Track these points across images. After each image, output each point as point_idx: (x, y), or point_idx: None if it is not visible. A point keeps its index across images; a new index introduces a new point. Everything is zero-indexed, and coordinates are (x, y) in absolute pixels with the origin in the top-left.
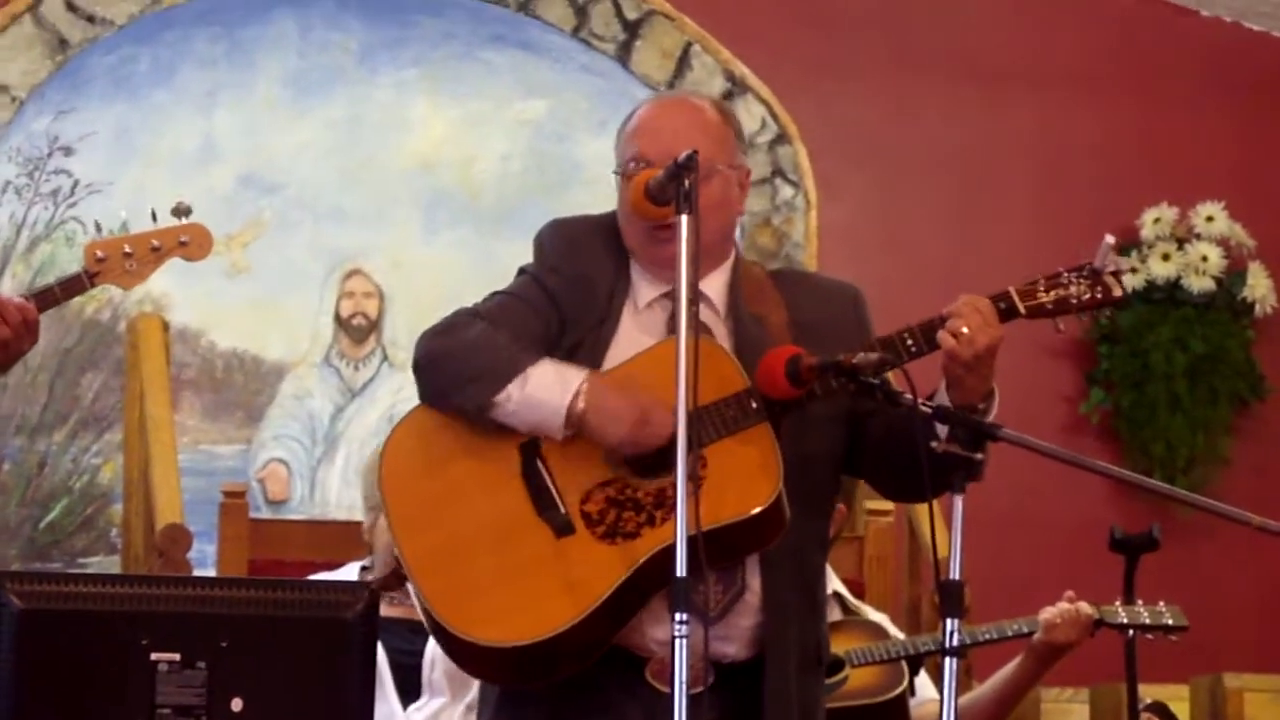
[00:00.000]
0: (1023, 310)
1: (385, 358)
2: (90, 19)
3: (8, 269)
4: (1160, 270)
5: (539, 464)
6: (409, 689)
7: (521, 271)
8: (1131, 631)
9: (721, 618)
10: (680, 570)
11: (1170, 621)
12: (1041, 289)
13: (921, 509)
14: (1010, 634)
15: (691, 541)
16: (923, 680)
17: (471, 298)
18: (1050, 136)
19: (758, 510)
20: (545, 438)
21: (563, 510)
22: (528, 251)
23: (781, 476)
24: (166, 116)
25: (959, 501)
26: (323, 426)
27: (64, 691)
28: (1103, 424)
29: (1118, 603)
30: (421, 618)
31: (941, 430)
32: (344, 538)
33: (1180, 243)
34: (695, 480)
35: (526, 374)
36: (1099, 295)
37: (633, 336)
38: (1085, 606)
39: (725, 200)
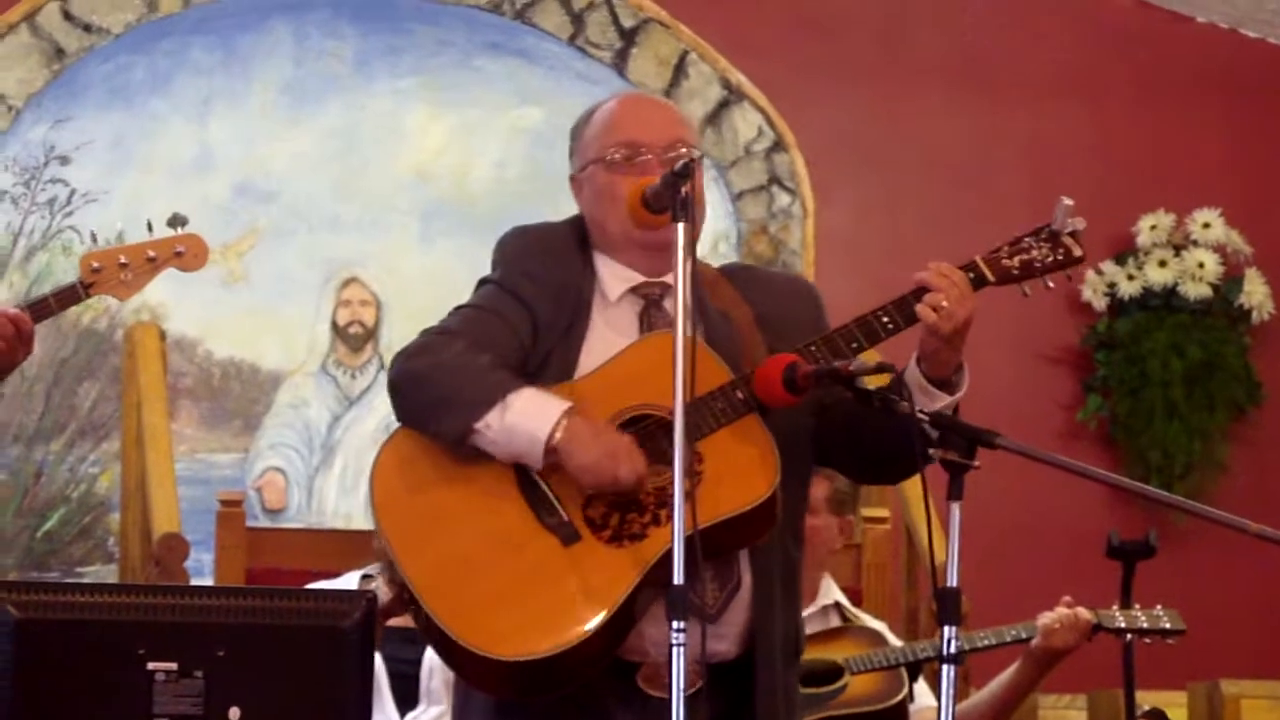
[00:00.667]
0: (991, 278)
1: (382, 366)
2: (86, 28)
3: (4, 278)
4: (1157, 277)
5: (534, 474)
6: (407, 698)
7: (484, 282)
8: (1129, 636)
9: (719, 615)
10: (678, 578)
11: (1168, 625)
12: (1006, 255)
13: (919, 516)
14: (1008, 639)
15: (689, 543)
16: (921, 687)
17: None
18: (1047, 143)
19: (759, 501)
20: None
21: (566, 518)
22: None
23: (779, 466)
24: (163, 125)
25: (956, 509)
26: (320, 435)
27: (61, 701)
28: (1100, 431)
29: (1115, 607)
30: (422, 633)
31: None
32: (342, 546)
33: (1177, 249)
34: (693, 476)
35: (506, 401)
36: (1060, 257)
37: (605, 336)
38: (1083, 611)
39: (704, 193)
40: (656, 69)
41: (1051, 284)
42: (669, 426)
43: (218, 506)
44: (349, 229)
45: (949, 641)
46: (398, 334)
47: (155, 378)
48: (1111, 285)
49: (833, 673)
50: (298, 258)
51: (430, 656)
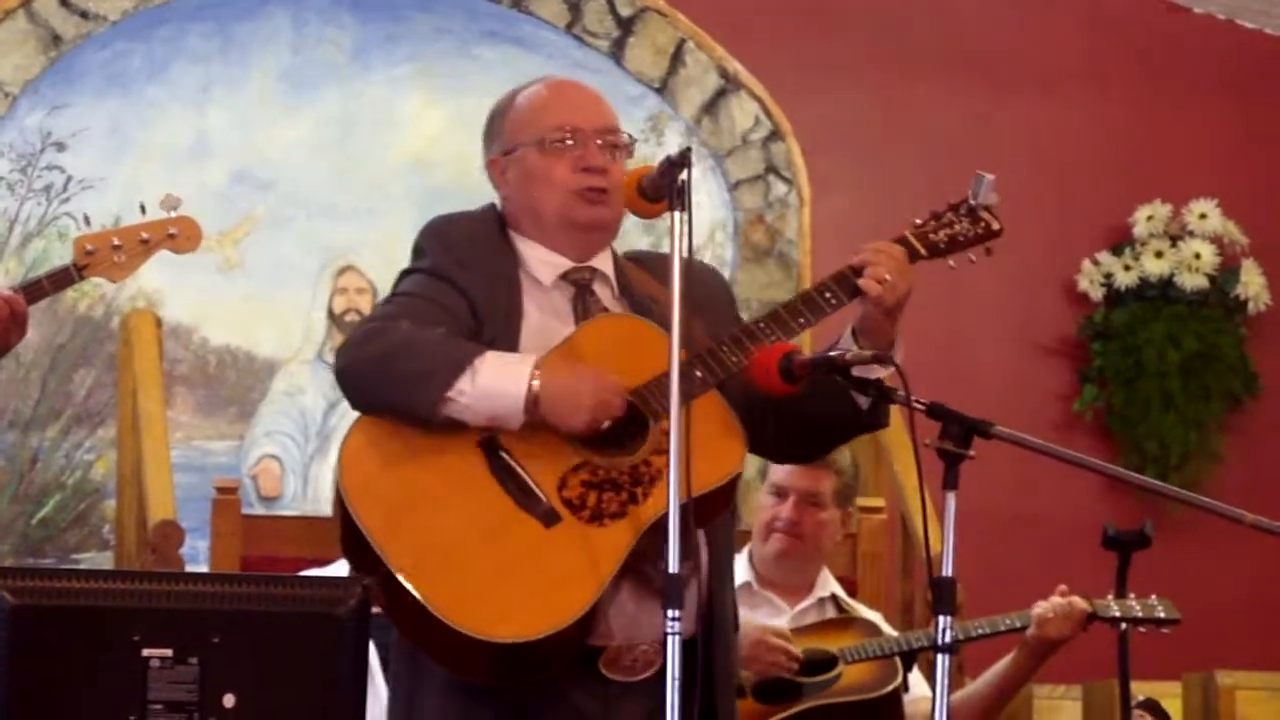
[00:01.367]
0: (923, 251)
1: None
2: (84, 15)
3: (0, 265)
4: (1153, 267)
5: (505, 457)
6: None
7: (411, 271)
8: (1124, 626)
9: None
10: (673, 566)
11: (1163, 614)
12: (932, 229)
13: (915, 506)
14: (1003, 629)
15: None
16: (916, 677)
17: None
18: (1044, 133)
19: (734, 474)
20: (502, 430)
21: (544, 500)
22: None
23: (745, 436)
24: (160, 112)
25: (951, 498)
26: (315, 423)
27: (56, 687)
28: (1096, 421)
29: (1110, 597)
30: (395, 619)
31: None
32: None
33: (1173, 240)
34: (663, 452)
35: (475, 366)
36: (981, 230)
37: (542, 321)
38: (1078, 600)
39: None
40: (654, 57)
41: (974, 258)
42: (634, 406)
43: (213, 494)
44: (346, 217)
45: (944, 631)
46: None
47: (151, 365)
48: (1108, 276)
49: (827, 662)
50: (294, 245)
51: None
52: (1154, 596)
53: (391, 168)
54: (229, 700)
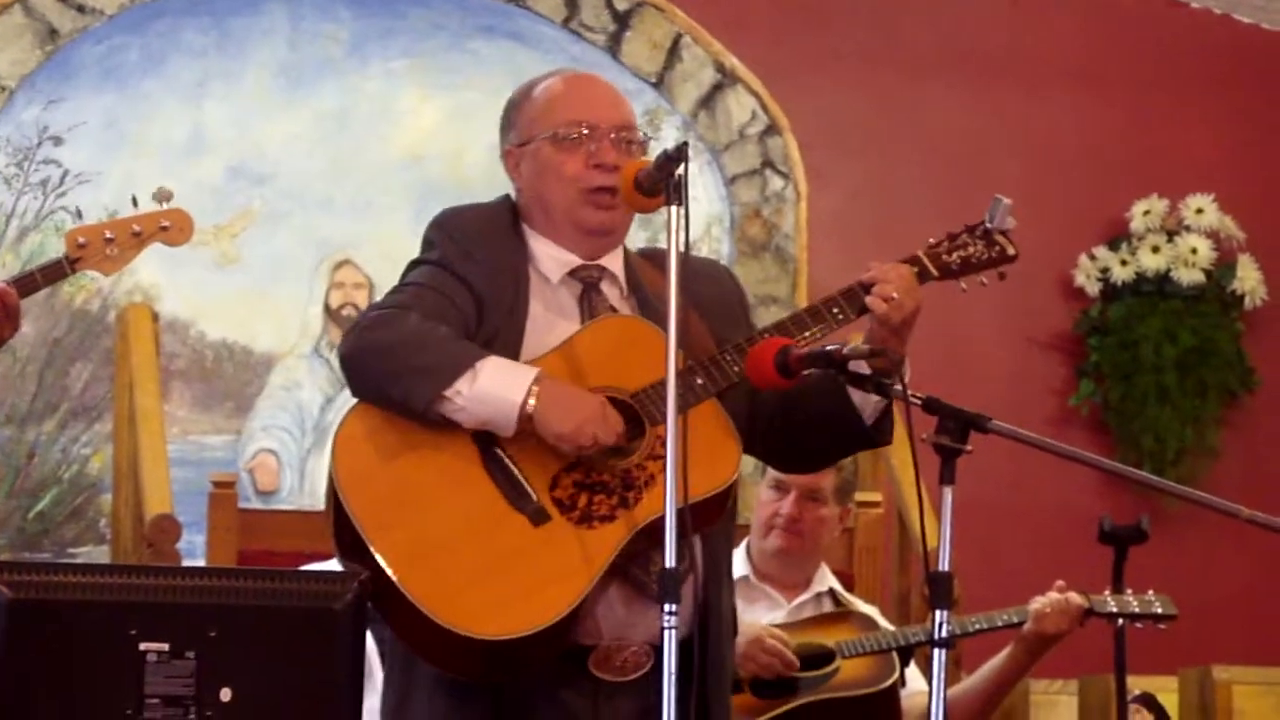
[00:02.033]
0: (935, 272)
1: None
2: (80, 9)
3: None
4: (1150, 262)
5: (500, 453)
6: None
7: (420, 263)
8: (1121, 621)
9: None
10: (670, 560)
11: (1160, 610)
12: (945, 250)
13: (912, 501)
14: (1000, 624)
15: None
16: (913, 672)
17: None
18: (1040, 128)
19: (726, 484)
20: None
21: (534, 499)
22: None
23: (741, 449)
24: (156, 107)
25: (948, 493)
26: (312, 417)
27: (53, 681)
28: (1092, 416)
29: (1107, 592)
30: (380, 611)
31: (860, 396)
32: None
33: (1170, 235)
34: (658, 457)
35: (476, 369)
36: (995, 254)
37: (547, 318)
38: (1075, 596)
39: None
40: (650, 52)
41: (985, 280)
42: (632, 409)
43: (210, 488)
44: (342, 211)
45: (941, 626)
46: None
47: (147, 359)
48: (1104, 270)
49: (825, 657)
50: (291, 240)
51: None
52: (1151, 592)
53: (388, 162)
54: (226, 694)
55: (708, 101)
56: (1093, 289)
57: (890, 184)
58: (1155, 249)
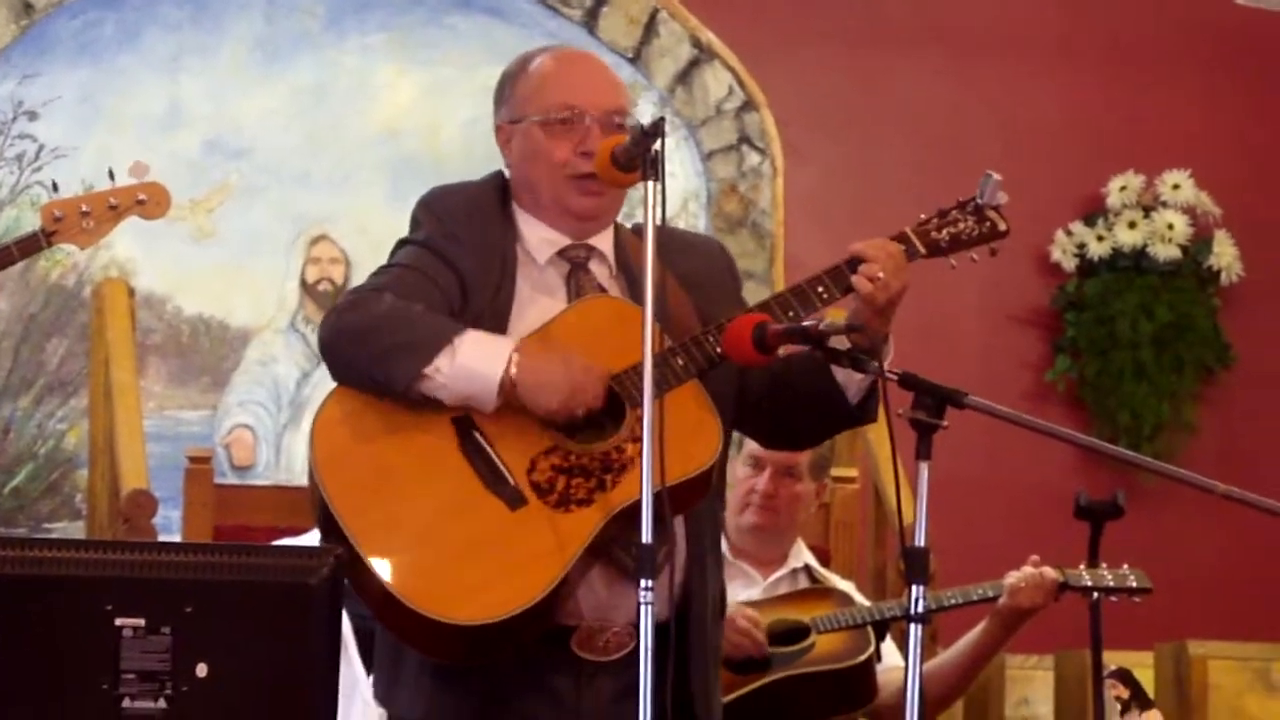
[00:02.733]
0: (922, 250)
1: None
2: None
3: None
4: (1126, 238)
5: (478, 437)
6: (372, 655)
7: (403, 243)
8: (1096, 595)
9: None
10: (646, 536)
11: (1134, 584)
12: (934, 228)
13: (888, 476)
14: (975, 598)
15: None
16: (888, 647)
17: None
18: (1017, 104)
19: (706, 467)
20: (476, 409)
21: (511, 482)
22: None
23: (723, 429)
24: (132, 81)
25: (924, 468)
26: (288, 392)
27: (28, 656)
28: (1068, 392)
29: (1082, 567)
30: (359, 593)
31: (845, 375)
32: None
33: (1146, 210)
34: (637, 439)
35: (455, 344)
36: (985, 230)
37: (533, 298)
38: (1049, 570)
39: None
40: (627, 27)
41: (975, 257)
42: (613, 392)
43: (186, 463)
44: (319, 186)
45: (916, 601)
46: None
47: (123, 334)
48: (1081, 246)
49: (800, 632)
50: (267, 214)
51: None
52: (1126, 566)
53: (365, 137)
54: (202, 669)
55: (684, 77)
56: (1069, 264)
57: (867, 159)
58: (1132, 224)
